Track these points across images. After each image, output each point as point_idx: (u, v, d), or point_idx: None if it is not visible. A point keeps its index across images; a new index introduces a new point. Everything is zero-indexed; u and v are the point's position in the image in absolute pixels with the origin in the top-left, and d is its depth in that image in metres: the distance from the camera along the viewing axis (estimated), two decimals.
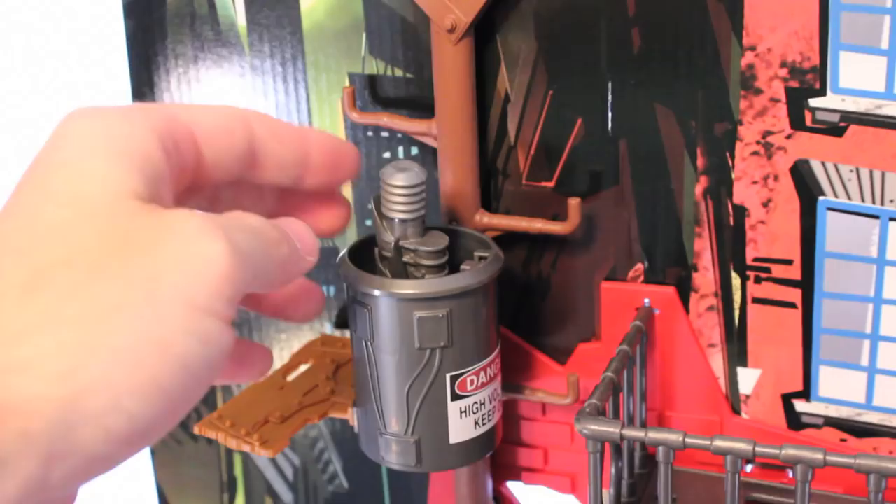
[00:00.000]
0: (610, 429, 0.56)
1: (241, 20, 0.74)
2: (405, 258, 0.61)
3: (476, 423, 0.64)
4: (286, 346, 0.81)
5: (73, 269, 0.40)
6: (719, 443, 0.54)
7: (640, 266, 0.70)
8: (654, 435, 0.55)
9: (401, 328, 0.60)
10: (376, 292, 0.60)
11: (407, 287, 0.60)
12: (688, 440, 0.55)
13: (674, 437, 0.55)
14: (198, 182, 0.50)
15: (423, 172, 0.60)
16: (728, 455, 0.54)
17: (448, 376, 0.62)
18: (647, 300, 0.70)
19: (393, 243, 0.61)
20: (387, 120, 0.69)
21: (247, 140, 0.51)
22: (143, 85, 0.77)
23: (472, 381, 0.63)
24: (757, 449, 0.54)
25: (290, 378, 0.73)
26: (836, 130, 0.63)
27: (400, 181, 0.59)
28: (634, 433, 0.56)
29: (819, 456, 0.53)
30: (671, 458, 0.56)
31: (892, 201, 0.63)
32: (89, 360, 0.39)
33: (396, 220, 0.61)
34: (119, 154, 0.44)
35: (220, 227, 0.43)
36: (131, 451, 0.41)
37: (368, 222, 0.76)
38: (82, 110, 0.46)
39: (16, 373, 0.38)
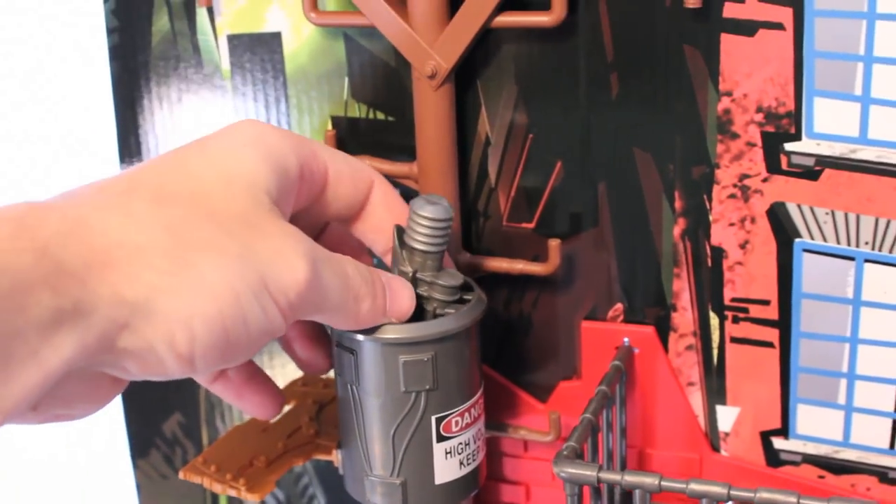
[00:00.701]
0: (587, 472, 0.57)
1: (224, 63, 0.74)
2: (419, 290, 0.62)
3: (461, 463, 0.64)
4: None
5: (196, 206, 0.49)
6: (695, 486, 0.55)
7: (619, 306, 0.71)
8: (630, 478, 0.56)
9: (386, 372, 0.61)
10: (361, 337, 0.61)
11: (392, 332, 0.60)
12: (664, 483, 0.55)
13: (650, 481, 0.56)
14: (310, 211, 0.59)
15: (451, 209, 0.61)
16: (703, 498, 0.55)
17: (433, 418, 0.62)
18: (626, 339, 0.71)
19: (410, 274, 0.61)
20: (369, 163, 0.70)
21: (364, 197, 0.60)
22: (129, 126, 0.78)
23: (456, 423, 0.63)
24: (732, 492, 0.55)
25: (273, 420, 0.73)
26: (811, 174, 0.64)
27: (429, 213, 0.60)
28: (611, 476, 0.57)
29: (793, 499, 0.54)
30: (648, 501, 0.57)
31: (866, 243, 0.64)
32: (182, 271, 0.46)
33: (418, 251, 0.61)
34: (268, 157, 0.53)
35: (314, 259, 0.51)
36: (178, 370, 0.47)
37: None
38: (252, 120, 0.55)
39: (124, 248, 0.45)
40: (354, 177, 0.59)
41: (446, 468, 0.64)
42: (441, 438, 0.63)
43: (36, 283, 0.41)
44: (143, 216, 0.46)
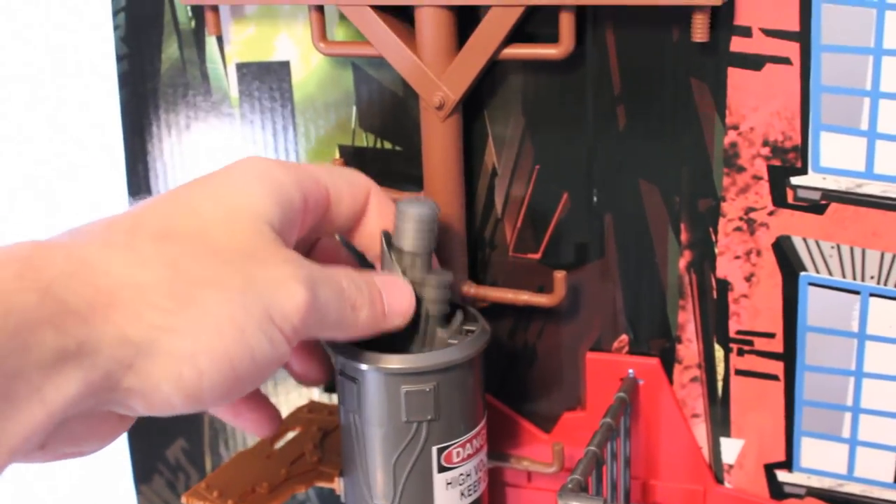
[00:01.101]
0: None
1: (233, 91, 0.75)
2: None
3: (462, 494, 0.64)
4: None
5: (198, 241, 0.49)
6: None
7: (624, 337, 0.71)
8: None
9: (388, 402, 0.61)
10: (364, 367, 0.61)
11: (394, 362, 0.60)
12: None
13: None
14: (312, 231, 0.60)
15: (437, 209, 0.61)
16: None
17: (434, 449, 0.62)
18: (631, 371, 0.70)
19: (399, 274, 0.61)
20: None
21: (362, 208, 0.61)
22: (137, 152, 0.79)
23: (458, 453, 0.63)
24: None
25: (277, 446, 0.73)
26: (817, 208, 0.64)
27: (415, 213, 0.60)
28: None
29: None
30: None
31: (872, 277, 0.64)
32: (186, 308, 0.46)
33: (406, 252, 0.61)
34: (271, 191, 0.54)
35: (311, 281, 0.52)
36: (185, 407, 0.48)
37: None
38: (256, 157, 0.56)
39: (129, 288, 0.45)
40: (353, 192, 0.60)
41: (447, 499, 0.64)
42: (442, 469, 0.63)
43: (40, 323, 0.41)
44: (146, 254, 0.47)
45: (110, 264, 0.45)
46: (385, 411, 0.61)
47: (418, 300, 0.61)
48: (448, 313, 0.63)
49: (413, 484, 0.63)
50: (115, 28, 0.76)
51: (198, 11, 0.73)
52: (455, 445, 0.63)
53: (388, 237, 0.62)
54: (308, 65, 0.72)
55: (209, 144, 0.76)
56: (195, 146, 0.77)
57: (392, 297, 0.59)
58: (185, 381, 0.46)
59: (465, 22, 0.65)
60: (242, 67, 0.74)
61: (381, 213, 0.62)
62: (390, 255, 0.61)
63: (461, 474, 0.64)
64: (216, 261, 0.49)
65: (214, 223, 0.51)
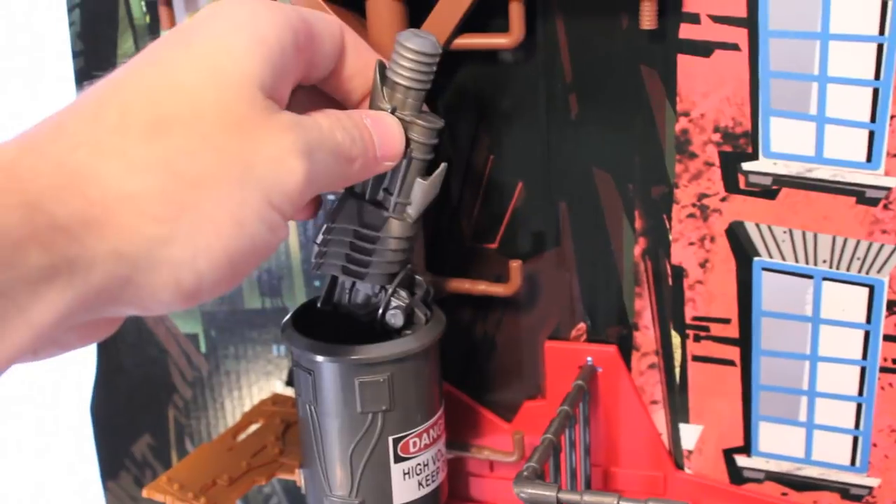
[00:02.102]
0: (546, 492, 0.57)
1: None
2: None
3: (420, 483, 0.65)
4: (238, 405, 0.82)
5: (192, 130, 0.45)
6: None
7: (582, 325, 0.71)
8: (589, 498, 0.56)
9: (343, 393, 0.61)
10: (319, 358, 0.61)
11: (348, 353, 0.61)
12: (622, 502, 0.56)
13: (608, 500, 0.56)
14: (305, 72, 0.55)
15: (438, 45, 0.58)
16: None
17: (391, 439, 0.63)
18: (589, 359, 0.71)
19: (389, 111, 0.58)
20: None
21: (339, 50, 0.56)
22: None
23: (414, 444, 0.64)
24: None
25: (239, 438, 0.74)
26: (768, 193, 0.64)
27: (415, 45, 0.57)
28: (570, 497, 0.57)
29: None
30: None
31: (824, 261, 0.64)
32: (182, 214, 0.44)
33: (400, 86, 0.57)
34: (259, 41, 0.49)
35: (308, 148, 0.49)
36: (183, 306, 0.46)
37: (317, 283, 0.77)
38: None
39: (122, 200, 0.43)
40: (331, 30, 0.55)
41: (404, 489, 0.64)
42: (399, 459, 0.63)
43: (26, 240, 0.40)
44: (138, 158, 0.44)
45: (101, 174, 0.43)
46: (340, 402, 0.62)
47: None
48: (430, 163, 0.60)
49: (370, 474, 0.63)
50: (71, 25, 0.75)
51: (152, 6, 0.74)
52: (412, 435, 0.63)
53: (382, 68, 0.58)
54: None
55: None
56: None
57: (384, 139, 0.56)
58: (183, 286, 0.45)
59: (417, 12, 0.65)
60: None
61: (358, 53, 0.57)
62: (382, 90, 0.57)
63: (419, 464, 0.64)
64: (210, 152, 0.46)
65: (203, 101, 0.46)
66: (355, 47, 0.57)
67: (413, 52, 0.57)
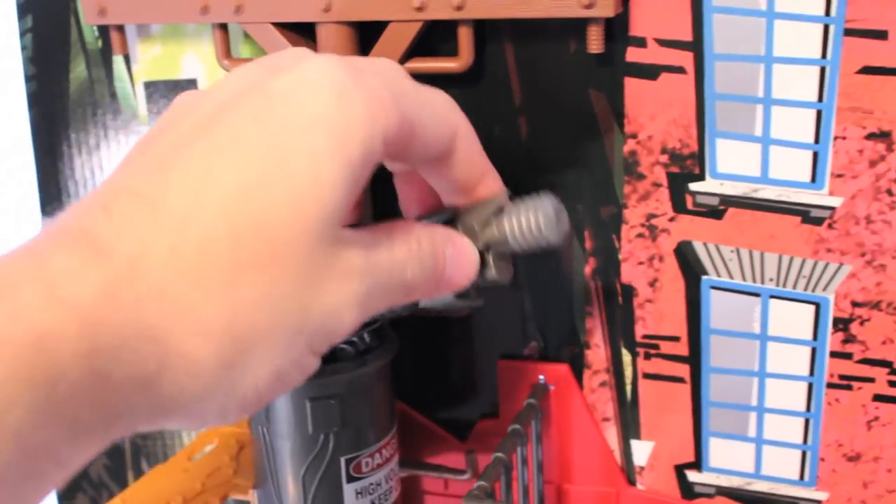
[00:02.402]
0: None
1: (142, 109, 0.75)
2: None
3: (373, 502, 0.65)
4: None
5: (265, 277, 0.41)
6: None
7: (534, 344, 0.72)
8: None
9: (294, 414, 0.62)
10: None
11: None
12: None
13: None
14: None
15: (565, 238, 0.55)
16: None
17: (343, 459, 0.63)
18: (541, 377, 0.71)
19: (479, 249, 0.54)
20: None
21: (445, 147, 0.51)
22: (49, 172, 0.79)
23: (367, 463, 0.64)
24: None
25: (194, 459, 0.74)
26: (715, 213, 0.65)
27: (550, 233, 0.53)
28: None
29: None
30: None
31: (771, 280, 0.65)
32: (228, 373, 0.41)
33: (506, 240, 0.54)
34: (347, 162, 0.43)
35: (370, 296, 0.46)
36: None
37: None
38: (329, 70, 0.44)
39: (178, 358, 0.40)
40: (438, 131, 0.50)
41: None
42: (351, 479, 0.64)
43: (79, 399, 0.37)
44: (208, 316, 0.40)
45: (168, 334, 0.39)
46: (292, 424, 0.62)
47: None
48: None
49: (323, 494, 0.64)
50: (23, 49, 0.76)
51: (104, 31, 0.74)
52: (364, 455, 0.64)
53: (500, 205, 0.54)
54: (215, 82, 0.73)
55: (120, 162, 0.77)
56: (106, 165, 0.77)
57: (454, 272, 0.52)
58: (206, 424, 0.43)
59: (367, 37, 0.66)
60: (150, 86, 0.74)
61: (468, 162, 0.52)
62: (490, 226, 0.53)
63: (371, 483, 0.65)
64: (275, 302, 0.42)
65: (284, 242, 0.41)
66: (468, 157, 0.52)
67: (542, 235, 0.52)
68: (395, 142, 0.46)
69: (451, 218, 0.55)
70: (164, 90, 0.74)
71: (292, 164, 0.42)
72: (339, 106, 0.43)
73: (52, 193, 0.79)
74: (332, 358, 0.63)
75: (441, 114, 0.50)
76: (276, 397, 0.46)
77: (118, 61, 0.74)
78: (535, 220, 0.52)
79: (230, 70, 0.68)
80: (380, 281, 0.46)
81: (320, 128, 0.43)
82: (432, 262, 0.50)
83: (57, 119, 0.77)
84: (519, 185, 0.66)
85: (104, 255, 0.39)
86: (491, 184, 0.54)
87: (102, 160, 0.77)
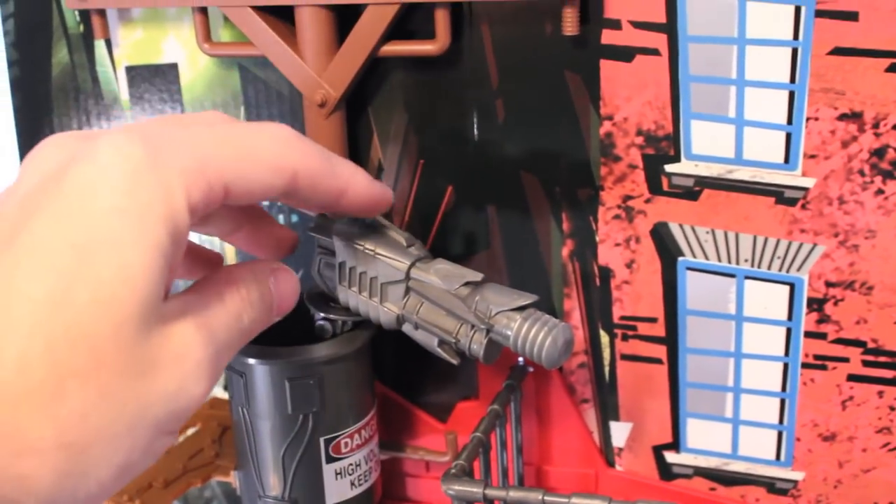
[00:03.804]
0: (473, 489, 0.58)
1: (124, 94, 0.75)
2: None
3: (352, 483, 0.66)
4: None
5: (91, 385, 0.40)
6: (576, 500, 0.56)
7: None
8: (514, 494, 0.58)
9: (273, 394, 0.62)
10: (250, 360, 0.62)
11: (279, 355, 0.62)
12: (547, 498, 0.57)
13: (533, 496, 0.57)
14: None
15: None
16: None
17: (322, 440, 0.64)
18: (520, 359, 0.72)
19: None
20: None
21: (284, 191, 0.49)
22: None
23: (346, 444, 0.65)
24: None
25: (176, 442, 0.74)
26: (691, 194, 0.66)
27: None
28: (496, 493, 0.58)
29: None
30: None
31: (746, 260, 0.66)
32: (75, 483, 0.40)
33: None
34: (154, 245, 0.41)
35: (213, 361, 0.45)
36: None
37: None
38: (130, 144, 0.42)
39: (14, 481, 0.39)
40: (263, 180, 0.47)
41: (337, 489, 0.65)
42: (330, 459, 0.64)
43: None
44: (36, 439, 0.40)
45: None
46: (271, 404, 0.63)
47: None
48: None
49: (302, 475, 0.64)
50: (5, 34, 0.76)
51: (85, 16, 0.74)
52: (343, 436, 0.64)
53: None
54: (196, 66, 0.73)
55: None
56: None
57: (281, 300, 0.52)
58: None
59: (345, 21, 0.66)
60: (132, 70, 0.75)
61: (315, 191, 0.50)
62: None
63: (350, 464, 0.65)
64: (108, 406, 0.41)
65: (103, 346, 0.40)
66: (314, 189, 0.50)
67: (540, 358, 0.54)
68: (207, 204, 0.44)
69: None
70: (146, 74, 0.74)
71: (97, 261, 0.40)
72: (134, 190, 0.42)
73: None
74: (311, 338, 0.63)
75: (269, 164, 0.47)
76: (127, 483, 0.44)
77: (100, 46, 0.75)
78: (540, 345, 0.53)
79: (210, 54, 0.69)
80: (222, 339, 0.46)
81: (119, 217, 0.41)
82: (262, 299, 0.50)
83: (40, 104, 0.77)
84: (496, 168, 0.67)
85: None
86: (355, 198, 0.53)
87: None
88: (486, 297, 0.54)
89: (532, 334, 0.53)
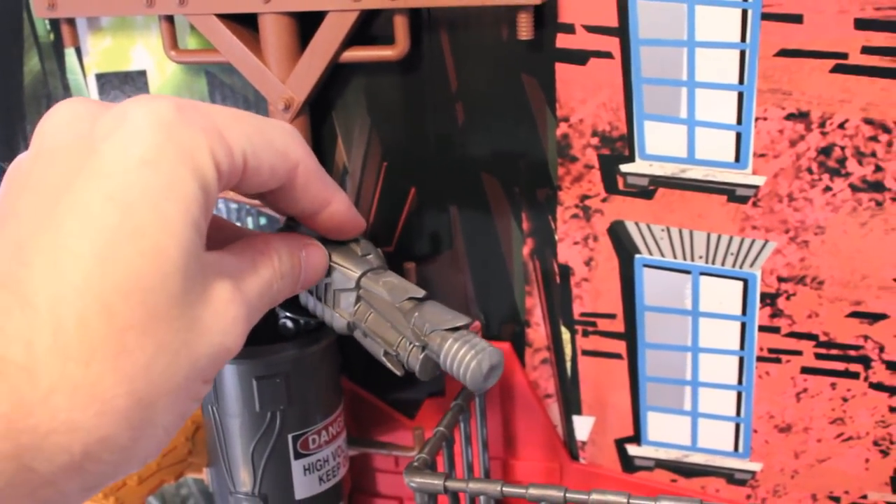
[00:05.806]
0: (434, 481, 0.60)
1: None
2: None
3: (321, 479, 0.67)
4: None
5: (149, 338, 0.42)
6: (533, 491, 0.58)
7: (477, 323, 0.74)
8: (474, 486, 0.59)
9: (241, 393, 0.64)
10: None
11: (246, 354, 0.63)
12: (505, 489, 0.59)
13: (492, 487, 0.59)
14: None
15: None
16: (542, 502, 0.58)
17: (290, 436, 0.65)
18: None
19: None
20: (233, 194, 0.73)
21: (283, 180, 0.51)
22: (6, 166, 0.80)
23: (314, 440, 0.66)
24: (567, 495, 0.58)
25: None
26: (646, 193, 0.67)
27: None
28: (457, 485, 0.60)
29: (623, 500, 0.57)
30: None
31: (700, 257, 0.68)
32: (140, 435, 0.43)
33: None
34: (191, 197, 0.44)
35: (248, 320, 0.48)
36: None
37: None
38: (159, 104, 0.45)
39: (97, 446, 0.41)
40: (273, 164, 0.50)
41: (306, 484, 0.67)
42: (299, 456, 0.66)
43: (16, 492, 0.40)
44: (109, 396, 0.41)
45: (79, 420, 0.40)
46: (240, 402, 0.64)
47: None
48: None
49: (271, 471, 0.66)
50: None
51: (55, 25, 0.76)
52: (311, 433, 0.66)
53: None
54: (164, 73, 0.75)
55: None
56: None
57: (309, 272, 0.55)
58: (136, 470, 0.45)
59: (307, 27, 0.68)
60: (102, 78, 0.76)
61: (305, 192, 0.53)
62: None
63: (318, 460, 0.67)
64: (162, 353, 0.43)
65: (155, 298, 0.42)
66: (306, 188, 0.53)
67: (464, 380, 0.54)
68: (230, 168, 0.47)
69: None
70: (116, 82, 0.76)
71: (137, 214, 0.42)
72: (164, 144, 0.44)
73: None
74: (277, 337, 0.65)
75: (278, 148, 0.50)
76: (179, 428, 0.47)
77: (70, 54, 0.76)
78: (466, 367, 0.54)
79: (177, 61, 0.70)
80: (254, 303, 0.49)
81: (152, 170, 0.43)
82: (292, 271, 0.53)
83: (12, 112, 0.79)
84: (457, 170, 0.69)
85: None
86: (334, 214, 0.56)
87: None
88: (423, 315, 0.55)
89: (460, 356, 0.53)
